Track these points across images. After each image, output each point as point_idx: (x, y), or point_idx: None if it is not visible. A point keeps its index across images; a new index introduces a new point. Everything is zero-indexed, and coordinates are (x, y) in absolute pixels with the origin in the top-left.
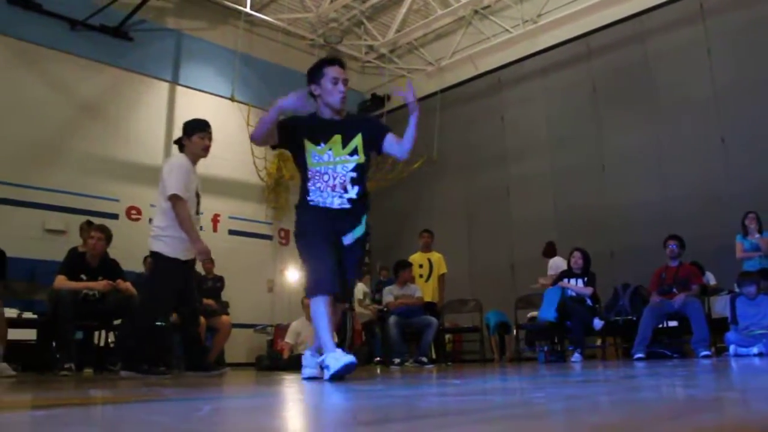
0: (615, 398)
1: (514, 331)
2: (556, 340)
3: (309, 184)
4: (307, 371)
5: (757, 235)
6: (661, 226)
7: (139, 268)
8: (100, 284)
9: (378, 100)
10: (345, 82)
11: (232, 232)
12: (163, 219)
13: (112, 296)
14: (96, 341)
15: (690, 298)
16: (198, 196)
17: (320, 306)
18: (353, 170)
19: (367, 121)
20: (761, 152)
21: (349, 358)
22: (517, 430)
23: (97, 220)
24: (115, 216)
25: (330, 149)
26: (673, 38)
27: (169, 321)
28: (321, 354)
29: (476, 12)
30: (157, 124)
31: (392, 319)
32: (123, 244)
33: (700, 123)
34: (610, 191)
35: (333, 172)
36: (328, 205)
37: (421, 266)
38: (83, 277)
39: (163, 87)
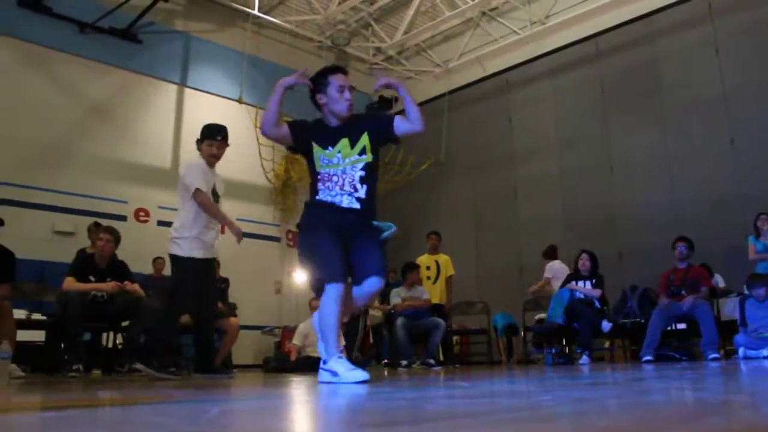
0: (623, 401)
1: (522, 333)
2: (564, 343)
3: (318, 185)
4: (356, 374)
5: None
6: (669, 227)
7: (147, 269)
8: (108, 286)
9: (386, 102)
10: (351, 89)
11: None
12: (177, 221)
13: (120, 298)
14: (104, 343)
15: (699, 301)
16: (216, 196)
17: (332, 300)
18: (362, 169)
19: (371, 118)
20: None
21: (363, 376)
22: None
23: (105, 222)
24: (123, 218)
25: (339, 152)
26: (682, 39)
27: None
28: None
29: (484, 13)
30: (165, 126)
31: (400, 321)
32: (131, 245)
33: (709, 124)
34: (618, 192)
35: (342, 173)
36: (336, 203)
37: (428, 268)
38: (92, 278)
39: (172, 89)
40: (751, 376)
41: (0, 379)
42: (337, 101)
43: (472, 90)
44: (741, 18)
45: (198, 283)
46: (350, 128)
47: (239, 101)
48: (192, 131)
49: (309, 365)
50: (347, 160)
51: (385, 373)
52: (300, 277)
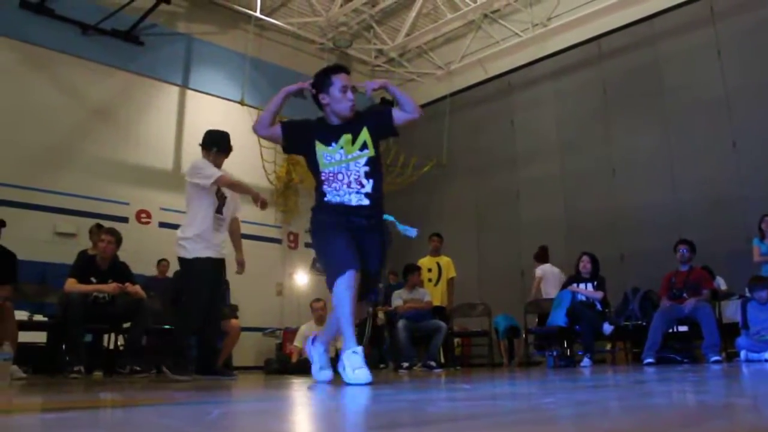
0: (625, 404)
1: (524, 336)
2: (565, 345)
3: (324, 186)
4: (324, 374)
5: None
6: (671, 230)
7: (149, 271)
8: (110, 287)
9: (387, 104)
10: (353, 89)
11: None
12: (183, 223)
13: (122, 299)
14: (106, 344)
15: (700, 303)
16: (223, 198)
17: (343, 290)
18: (366, 164)
19: (369, 113)
20: None
21: (366, 378)
22: None
23: (107, 224)
24: (125, 219)
25: (341, 148)
26: (684, 41)
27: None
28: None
29: (486, 16)
30: (167, 128)
31: (401, 323)
32: (133, 247)
33: (711, 126)
34: (620, 195)
35: (346, 170)
36: (345, 203)
37: (430, 270)
38: (93, 280)
39: (174, 91)
40: (753, 379)
41: (1, 381)
42: (340, 101)
43: (474, 92)
44: (743, 20)
45: (209, 282)
46: (351, 125)
47: (241, 103)
48: (194, 133)
49: (310, 367)
50: (349, 156)
51: (387, 375)
52: (301, 278)
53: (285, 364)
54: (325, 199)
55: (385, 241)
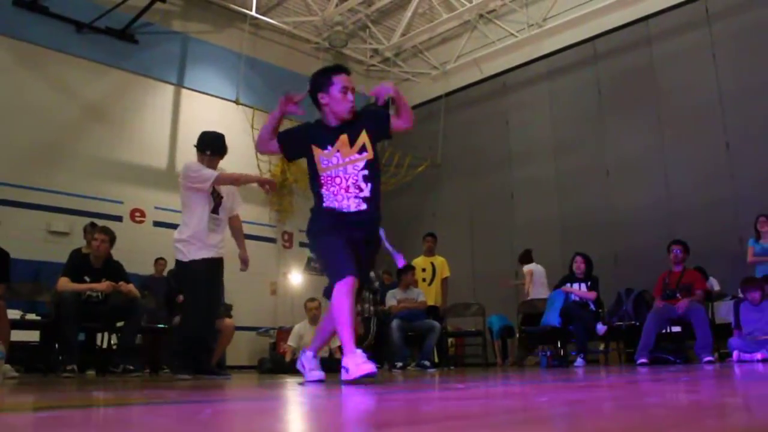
0: (618, 404)
1: (517, 336)
2: (559, 345)
3: (323, 190)
4: (314, 374)
5: None
6: (664, 230)
7: (143, 270)
8: (102, 285)
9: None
10: (353, 91)
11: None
12: (180, 225)
13: (115, 298)
14: (99, 343)
15: (693, 304)
16: (219, 197)
17: (342, 296)
18: (364, 168)
19: (367, 113)
20: (765, 157)
21: (370, 368)
22: None
23: (101, 222)
24: (119, 218)
25: (338, 151)
26: (679, 42)
27: (171, 322)
28: (320, 355)
29: (481, 16)
30: (162, 126)
31: (395, 323)
32: (127, 246)
33: (705, 127)
34: (614, 195)
35: (344, 173)
36: (344, 210)
37: (424, 270)
38: (87, 278)
39: (169, 90)
40: (746, 379)
41: None
42: (339, 102)
43: (469, 92)
44: (737, 22)
45: (207, 283)
46: (348, 126)
47: (236, 102)
48: (188, 132)
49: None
50: (347, 159)
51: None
52: (295, 278)
53: (279, 364)
54: (324, 204)
55: (376, 250)
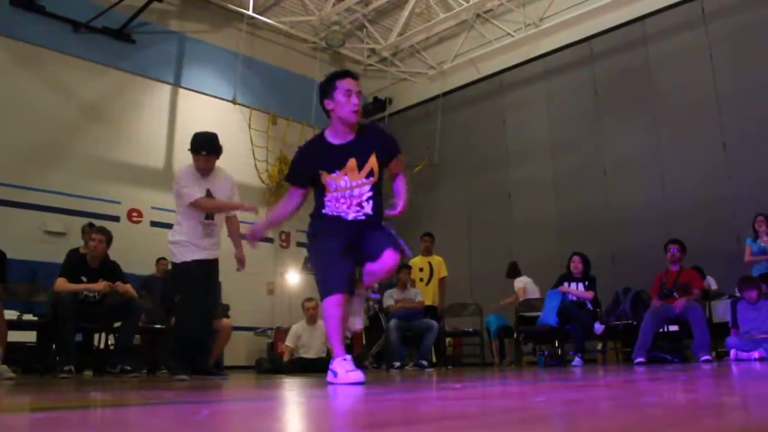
0: (616, 403)
1: (515, 335)
2: (556, 344)
3: (325, 200)
4: (352, 375)
5: (766, 238)
6: (662, 230)
7: (140, 270)
8: (99, 285)
9: (380, 104)
10: (358, 94)
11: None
12: (173, 227)
13: (112, 298)
14: (96, 343)
15: (691, 303)
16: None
17: (332, 308)
18: (369, 190)
19: (380, 137)
20: (762, 156)
21: (359, 377)
22: None
23: (97, 223)
24: (116, 218)
25: (345, 175)
26: (675, 42)
27: (168, 323)
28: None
29: (478, 16)
30: (158, 126)
31: (393, 323)
32: (124, 246)
33: (702, 127)
34: (611, 195)
35: (350, 195)
36: (343, 216)
37: (421, 270)
38: (83, 279)
39: (166, 89)
40: (743, 378)
41: None
42: (343, 106)
43: (466, 92)
44: (733, 22)
45: (201, 284)
46: (357, 147)
47: (233, 102)
48: (186, 132)
49: (302, 366)
50: (354, 184)
51: (378, 374)
52: (293, 278)
53: (276, 364)
54: (324, 210)
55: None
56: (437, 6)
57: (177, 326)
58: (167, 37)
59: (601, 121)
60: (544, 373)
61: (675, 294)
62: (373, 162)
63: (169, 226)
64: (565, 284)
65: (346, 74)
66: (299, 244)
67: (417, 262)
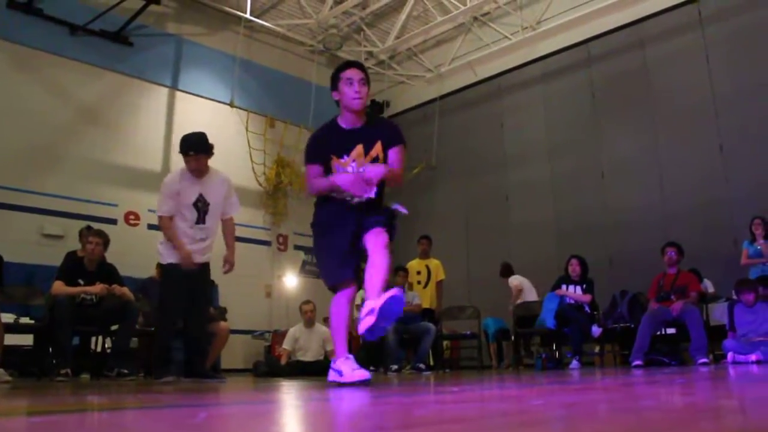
0: (614, 406)
1: (512, 338)
2: (554, 347)
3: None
4: (357, 374)
5: (762, 241)
6: (659, 232)
7: (137, 273)
8: (96, 288)
9: (377, 107)
10: (361, 82)
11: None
12: None
13: (108, 301)
14: (93, 346)
15: (688, 306)
16: (206, 204)
17: (339, 305)
18: None
19: (388, 128)
20: (759, 159)
21: (365, 374)
22: None
23: (95, 225)
24: (113, 221)
25: (353, 160)
26: (672, 45)
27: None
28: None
29: (476, 19)
30: (156, 129)
31: (390, 326)
32: (121, 249)
33: (699, 130)
34: (609, 198)
35: None
36: (346, 200)
37: (419, 273)
38: (80, 281)
39: (163, 92)
40: (740, 381)
41: None
42: (346, 94)
43: (464, 95)
44: (730, 25)
45: (183, 287)
46: (365, 134)
47: (230, 105)
48: (183, 134)
49: (299, 369)
50: (361, 170)
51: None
52: (290, 281)
53: (274, 367)
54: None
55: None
56: (435, 9)
57: (156, 326)
58: (164, 39)
59: (598, 123)
60: (541, 376)
61: (672, 297)
62: (378, 149)
63: None
64: (563, 287)
65: (348, 65)
66: (296, 247)
67: (414, 265)
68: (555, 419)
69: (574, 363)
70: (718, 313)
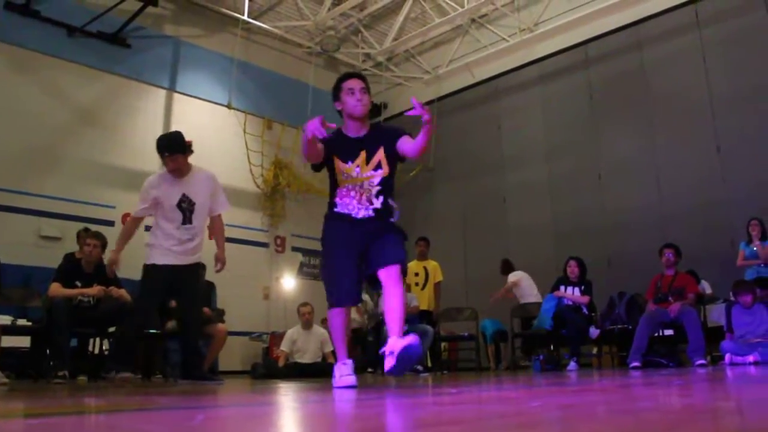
0: (612, 408)
1: (511, 340)
2: (552, 349)
3: (337, 199)
4: (345, 379)
5: (758, 242)
6: (657, 234)
7: (135, 275)
8: (93, 290)
9: (375, 108)
10: (362, 91)
11: (227, 240)
12: (151, 230)
13: (106, 303)
14: (90, 348)
15: (686, 307)
16: (191, 203)
17: (334, 318)
18: (378, 183)
19: (388, 132)
20: (757, 160)
21: (351, 381)
22: None
23: (92, 227)
24: (110, 223)
25: (357, 167)
26: (669, 47)
27: (163, 328)
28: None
29: (473, 21)
30: (153, 131)
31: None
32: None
33: (696, 131)
34: (606, 199)
35: (360, 188)
36: (352, 214)
37: (416, 274)
38: (78, 283)
39: (161, 94)
40: (738, 382)
41: None
42: (347, 103)
43: (461, 96)
44: (727, 26)
45: (160, 288)
46: (368, 141)
47: (228, 107)
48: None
49: (297, 371)
50: (363, 176)
51: (372, 379)
52: (288, 283)
53: (272, 369)
54: (336, 209)
55: (400, 236)
56: (432, 11)
57: (124, 325)
58: (162, 41)
59: (596, 125)
60: (539, 377)
61: (670, 298)
62: (380, 155)
63: None
64: (562, 288)
65: (348, 76)
66: (294, 249)
67: (412, 266)
68: (553, 421)
69: (572, 364)
70: (715, 314)
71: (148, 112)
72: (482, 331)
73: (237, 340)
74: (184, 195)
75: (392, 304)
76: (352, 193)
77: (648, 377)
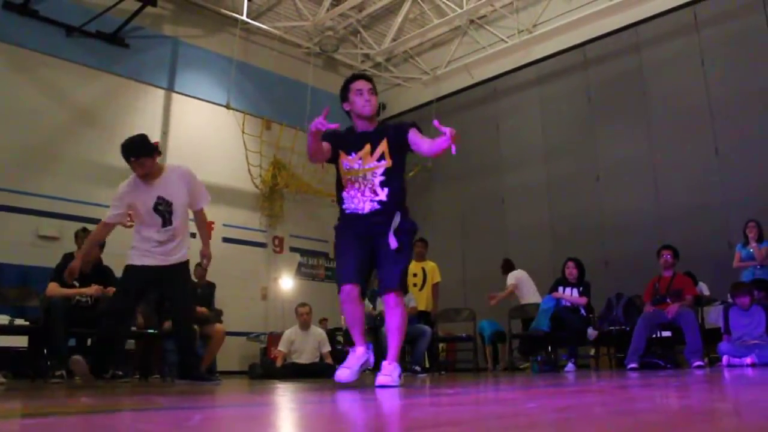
0: (609, 409)
1: (508, 341)
2: (549, 350)
3: (344, 193)
4: (340, 373)
5: (754, 244)
6: (655, 235)
7: None
8: (91, 290)
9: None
10: (370, 92)
11: (225, 240)
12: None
13: (103, 303)
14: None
15: (683, 309)
16: (167, 204)
17: (345, 303)
18: (382, 174)
19: (393, 126)
20: (754, 162)
21: (341, 377)
22: None
23: (90, 227)
24: None
25: (360, 158)
26: (668, 48)
27: (161, 328)
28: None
29: (472, 22)
30: (152, 131)
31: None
32: (116, 250)
33: (694, 133)
34: (604, 200)
35: (363, 179)
36: (359, 211)
37: (415, 275)
38: (76, 283)
39: (159, 94)
40: (735, 384)
41: None
42: (355, 103)
43: (460, 97)
44: (726, 28)
45: (135, 289)
46: (374, 135)
47: (227, 107)
48: (179, 137)
49: (295, 372)
50: (366, 167)
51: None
52: (286, 283)
53: (269, 369)
54: (344, 206)
55: (405, 241)
56: (431, 12)
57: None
58: (161, 41)
59: (594, 127)
60: (537, 378)
61: (668, 300)
62: (384, 146)
63: None
64: (560, 289)
65: (356, 77)
66: (292, 249)
67: (410, 267)
68: (550, 422)
69: (570, 366)
70: (713, 316)
71: (147, 112)
72: (480, 332)
73: (235, 341)
74: (159, 197)
75: (389, 326)
76: (356, 186)
77: (645, 378)
